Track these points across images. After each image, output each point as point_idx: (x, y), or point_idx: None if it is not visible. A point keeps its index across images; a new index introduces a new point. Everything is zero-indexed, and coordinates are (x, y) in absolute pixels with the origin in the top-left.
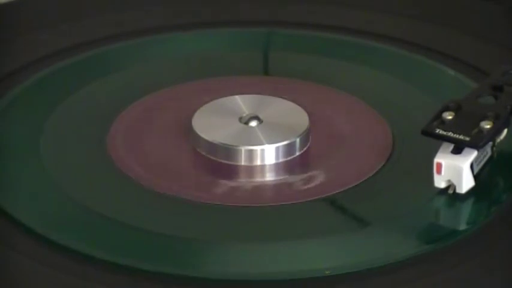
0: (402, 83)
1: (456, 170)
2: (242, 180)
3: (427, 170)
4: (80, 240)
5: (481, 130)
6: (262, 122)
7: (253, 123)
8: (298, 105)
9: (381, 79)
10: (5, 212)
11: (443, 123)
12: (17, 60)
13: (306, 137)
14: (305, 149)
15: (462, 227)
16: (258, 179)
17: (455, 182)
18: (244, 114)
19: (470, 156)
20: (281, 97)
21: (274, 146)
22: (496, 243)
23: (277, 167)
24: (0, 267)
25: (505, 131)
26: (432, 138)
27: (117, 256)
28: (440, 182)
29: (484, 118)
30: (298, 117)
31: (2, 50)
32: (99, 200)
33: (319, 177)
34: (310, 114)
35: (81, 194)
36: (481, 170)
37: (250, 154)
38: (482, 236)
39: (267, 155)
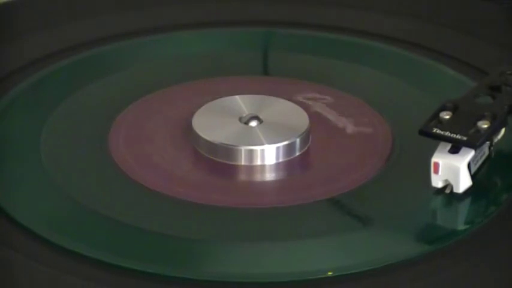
0: (402, 83)
1: (453, 170)
2: (242, 180)
3: (427, 170)
4: (80, 240)
5: (478, 130)
6: (262, 122)
7: (253, 123)
8: (298, 105)
9: (381, 79)
10: (5, 212)
11: (441, 123)
12: (17, 60)
13: (306, 137)
14: (305, 149)
15: (461, 227)
16: (258, 179)
17: (452, 182)
18: (244, 114)
19: (467, 155)
20: (281, 97)
21: (274, 146)
22: (495, 243)
23: (277, 167)
24: (0, 267)
25: (503, 130)
26: (429, 138)
27: (117, 256)
28: (437, 182)
29: (482, 118)
30: (298, 117)
31: (2, 50)
32: (99, 200)
33: (319, 177)
34: (310, 114)
35: (81, 194)
36: (479, 169)
37: (250, 154)
38: (480, 235)
39: (267, 155)
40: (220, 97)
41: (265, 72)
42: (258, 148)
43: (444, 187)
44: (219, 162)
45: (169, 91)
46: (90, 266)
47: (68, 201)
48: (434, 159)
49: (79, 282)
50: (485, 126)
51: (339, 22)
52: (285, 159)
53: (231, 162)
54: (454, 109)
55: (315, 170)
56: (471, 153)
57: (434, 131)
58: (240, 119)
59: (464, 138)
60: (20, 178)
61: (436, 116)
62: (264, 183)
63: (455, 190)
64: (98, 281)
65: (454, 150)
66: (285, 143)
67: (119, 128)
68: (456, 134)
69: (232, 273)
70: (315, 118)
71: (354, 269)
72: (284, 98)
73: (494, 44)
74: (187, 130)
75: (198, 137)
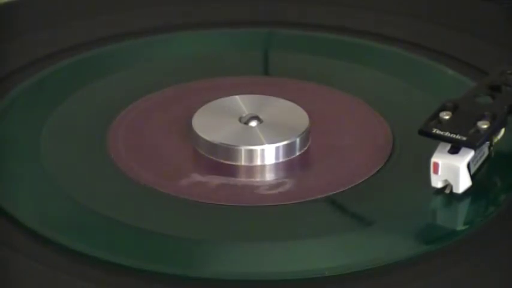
0: (402, 83)
1: (453, 170)
2: (242, 180)
3: (427, 170)
4: (80, 240)
5: (478, 130)
6: (262, 122)
7: (253, 123)
8: (298, 105)
9: (381, 79)
10: (5, 212)
11: (441, 123)
12: (17, 60)
13: (306, 137)
14: (305, 149)
15: (460, 227)
16: (258, 179)
17: (452, 182)
18: (244, 114)
19: (467, 156)
20: (281, 97)
21: (274, 146)
22: (494, 243)
23: (277, 167)
24: (0, 267)
25: (503, 130)
26: (429, 138)
27: (117, 256)
28: (437, 182)
29: (481, 118)
30: (298, 117)
31: (2, 50)
32: (99, 200)
33: (318, 177)
34: (310, 114)
35: (81, 194)
36: (478, 169)
37: (250, 154)
38: (480, 236)
39: (267, 155)
40: (220, 97)
41: (265, 72)
42: (258, 148)
43: (444, 187)
44: (219, 162)
45: (170, 91)
46: (90, 265)
47: (68, 201)
48: (433, 159)
49: (79, 282)
50: (485, 126)
51: (339, 22)
52: (285, 159)
53: (231, 162)
54: (454, 109)
55: (314, 170)
56: (471, 154)
57: (434, 131)
58: (240, 119)
59: (464, 138)
60: (20, 178)
61: (435, 116)
62: (264, 183)
63: (455, 190)
64: (97, 281)
65: (454, 150)
66: (285, 143)
67: (119, 128)
68: (456, 134)
69: (232, 272)
70: (315, 118)
71: (353, 269)
72: (284, 98)
73: (494, 44)
74: (187, 130)
75: (198, 137)
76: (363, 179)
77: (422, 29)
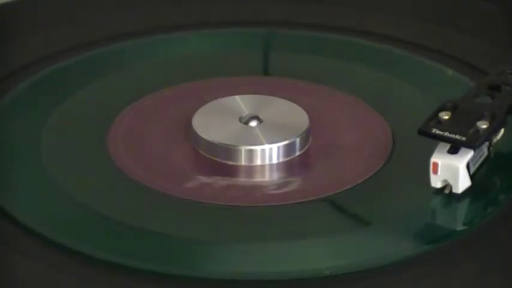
0: (402, 83)
1: (452, 170)
2: (242, 180)
3: (426, 170)
4: (79, 240)
5: (478, 130)
6: (262, 122)
7: (253, 123)
8: (298, 105)
9: (380, 79)
10: (5, 212)
11: (440, 123)
12: (17, 60)
13: (306, 137)
14: (305, 149)
15: (460, 227)
16: (257, 179)
17: (451, 182)
18: (244, 114)
19: (466, 156)
20: (281, 97)
21: (274, 146)
22: (494, 243)
23: (277, 167)
24: (0, 267)
25: (502, 130)
26: (428, 138)
27: (117, 256)
28: (436, 182)
29: (481, 118)
30: (298, 117)
31: (2, 50)
32: (99, 200)
33: (318, 177)
34: (310, 114)
35: (82, 194)
36: (478, 169)
37: (250, 154)
38: (480, 236)
39: (267, 155)
40: (220, 97)
41: (265, 72)
42: (258, 148)
43: (443, 187)
44: (219, 162)
45: (170, 91)
46: (90, 265)
47: (68, 201)
48: (433, 159)
49: (79, 282)
50: (485, 126)
51: (339, 22)
52: (285, 159)
53: (231, 162)
54: (454, 109)
55: (314, 170)
56: (470, 154)
57: (433, 131)
58: (240, 119)
59: (463, 138)
60: (20, 178)
61: (435, 115)
62: (264, 183)
63: (454, 190)
64: (97, 281)
65: (453, 150)
66: (285, 143)
67: (118, 128)
68: (455, 134)
69: (232, 272)
70: (315, 118)
71: (353, 269)
72: (284, 98)
73: (494, 44)
74: (187, 130)
75: (198, 137)
76: (362, 179)
77: (422, 29)
